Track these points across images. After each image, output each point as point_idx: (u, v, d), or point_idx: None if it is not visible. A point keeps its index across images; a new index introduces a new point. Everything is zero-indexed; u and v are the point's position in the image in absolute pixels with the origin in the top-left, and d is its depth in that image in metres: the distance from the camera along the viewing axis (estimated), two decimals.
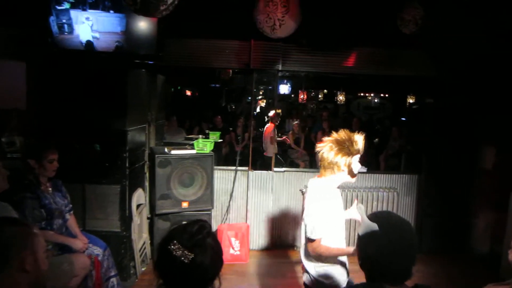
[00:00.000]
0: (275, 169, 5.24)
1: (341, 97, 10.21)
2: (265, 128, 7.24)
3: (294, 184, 5.27)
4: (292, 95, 11.52)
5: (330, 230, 2.35)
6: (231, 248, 4.76)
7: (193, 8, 4.49)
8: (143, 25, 3.96)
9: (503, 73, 4.59)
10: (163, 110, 5.53)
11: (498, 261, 4.44)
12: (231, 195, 5.11)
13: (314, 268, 2.47)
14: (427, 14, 3.32)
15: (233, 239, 4.77)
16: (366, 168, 5.41)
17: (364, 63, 5.18)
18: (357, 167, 2.43)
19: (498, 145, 5.18)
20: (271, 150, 6.80)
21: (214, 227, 4.97)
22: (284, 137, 7.98)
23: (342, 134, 2.45)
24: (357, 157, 2.43)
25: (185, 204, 4.29)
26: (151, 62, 4.30)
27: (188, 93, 12.58)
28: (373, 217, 1.51)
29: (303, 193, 5.19)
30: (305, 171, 5.50)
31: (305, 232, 2.43)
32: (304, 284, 2.58)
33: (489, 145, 5.28)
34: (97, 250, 3.32)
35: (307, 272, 2.53)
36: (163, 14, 2.49)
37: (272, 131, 6.92)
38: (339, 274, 2.47)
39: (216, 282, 1.39)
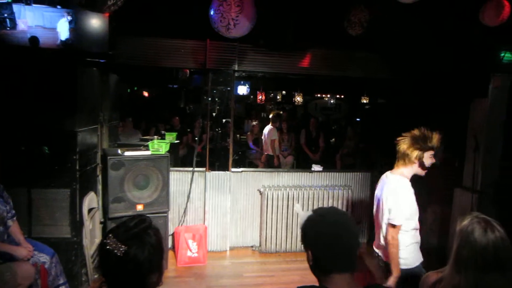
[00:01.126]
0: (233, 169, 5.22)
1: (298, 98, 10.35)
2: (267, 130, 7.46)
3: (252, 184, 5.28)
4: (251, 96, 11.56)
5: (406, 219, 2.65)
6: (189, 250, 4.69)
7: (148, 6, 4.40)
8: (93, 21, 3.80)
9: (447, 73, 4.84)
10: (117, 111, 5.36)
11: (445, 252, 4.68)
12: (188, 197, 5.04)
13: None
14: (376, 17, 3.44)
15: (190, 241, 4.70)
16: (322, 167, 5.54)
17: (319, 64, 5.30)
18: (428, 162, 2.73)
19: (445, 142, 5.46)
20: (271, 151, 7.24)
21: (171, 230, 4.88)
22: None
23: (418, 130, 2.77)
24: (429, 152, 2.72)
25: (140, 207, 4.17)
26: (103, 61, 4.15)
27: (146, 94, 12.28)
28: (313, 210, 1.55)
29: (260, 193, 5.22)
30: (262, 171, 5.51)
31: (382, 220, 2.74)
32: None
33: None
34: (43, 258, 3.15)
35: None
36: (111, 10, 2.41)
37: (273, 134, 7.26)
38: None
39: (154, 276, 1.36)
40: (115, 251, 1.28)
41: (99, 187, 4.55)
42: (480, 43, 4.37)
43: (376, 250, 2.95)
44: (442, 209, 5.40)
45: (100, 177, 4.55)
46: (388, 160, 5.45)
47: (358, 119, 9.64)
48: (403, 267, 2.72)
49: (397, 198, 2.68)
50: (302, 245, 1.52)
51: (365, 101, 9.57)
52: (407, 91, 5.55)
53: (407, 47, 5.00)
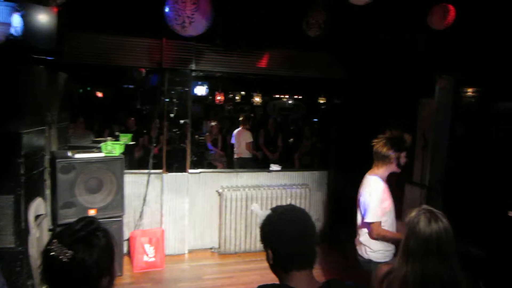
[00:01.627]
0: (191, 170, 5.13)
1: (257, 99, 10.39)
2: (238, 133, 7.35)
3: (210, 185, 5.22)
4: (210, 97, 11.46)
5: (383, 215, 2.86)
6: (145, 255, 4.55)
7: (101, 2, 4.23)
8: (41, 16, 3.57)
9: (397, 74, 5.04)
10: (67, 112, 5.10)
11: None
12: (144, 200, 4.89)
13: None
14: (331, 19, 3.50)
15: (147, 246, 4.56)
16: (280, 167, 5.58)
17: (277, 64, 5.34)
18: (403, 160, 2.99)
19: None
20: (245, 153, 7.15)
21: (126, 234, 4.71)
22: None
23: (395, 132, 2.97)
24: (405, 153, 2.96)
25: (92, 212, 3.99)
26: (50, 58, 3.92)
27: (99, 94, 11.84)
28: (272, 209, 1.55)
29: (219, 194, 5.16)
30: (221, 172, 5.47)
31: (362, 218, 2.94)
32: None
33: None
34: None
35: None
36: (58, 3, 2.26)
37: (248, 136, 7.21)
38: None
39: (104, 280, 1.28)
40: (60, 257, 1.19)
41: (48, 192, 4.29)
42: (427, 45, 4.59)
43: (356, 246, 3.10)
44: (395, 204, 5.61)
45: (48, 181, 4.29)
46: (343, 157, 5.63)
47: (315, 119, 9.81)
48: (373, 259, 2.89)
49: (370, 198, 2.88)
50: (262, 245, 1.50)
51: (322, 102, 9.76)
52: (360, 91, 5.72)
53: (360, 49, 5.15)
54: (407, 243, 1.70)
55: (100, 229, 1.31)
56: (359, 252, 3.04)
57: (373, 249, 2.92)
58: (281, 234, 1.43)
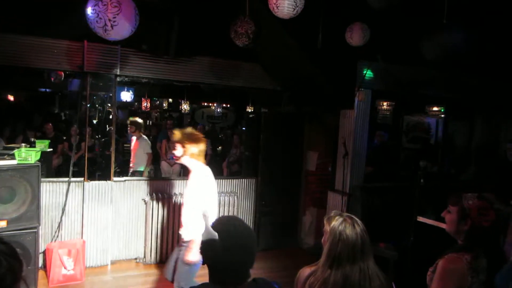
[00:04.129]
0: (115, 178, 4.96)
1: (185, 106, 10.32)
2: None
3: (136, 194, 5.08)
4: (136, 103, 11.12)
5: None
6: (63, 267, 4.28)
7: (16, 2, 3.97)
8: None
9: (319, 86, 5.38)
10: None
11: (321, 251, 5.14)
12: (63, 210, 4.62)
13: None
14: (259, 30, 3.65)
15: (65, 258, 4.30)
16: None
17: (205, 72, 5.39)
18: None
19: (319, 150, 6.03)
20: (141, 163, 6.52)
21: (42, 247, 4.40)
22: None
23: (189, 129, 3.34)
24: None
25: (2, 223, 3.68)
26: None
27: (11, 98, 10.90)
28: (216, 223, 1.59)
29: (145, 203, 5.05)
30: (147, 180, 5.34)
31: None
32: None
33: (312, 150, 6.10)
34: None
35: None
36: None
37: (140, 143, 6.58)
38: None
39: (18, 285, 1.23)
40: None
41: None
42: (347, 60, 4.96)
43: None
44: (318, 210, 5.94)
45: None
46: (270, 165, 5.82)
47: (243, 128, 9.99)
48: None
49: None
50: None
51: (250, 110, 9.98)
52: (286, 101, 6.00)
53: (285, 60, 5.41)
54: (332, 249, 1.82)
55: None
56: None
57: None
58: (226, 253, 1.48)
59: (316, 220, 5.89)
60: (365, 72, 5.03)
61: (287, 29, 4.51)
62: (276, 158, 5.85)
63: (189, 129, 3.36)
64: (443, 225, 2.15)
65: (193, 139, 3.22)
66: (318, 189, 6.06)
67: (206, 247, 1.53)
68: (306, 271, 1.98)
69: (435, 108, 7.48)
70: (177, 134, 3.26)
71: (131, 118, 7.14)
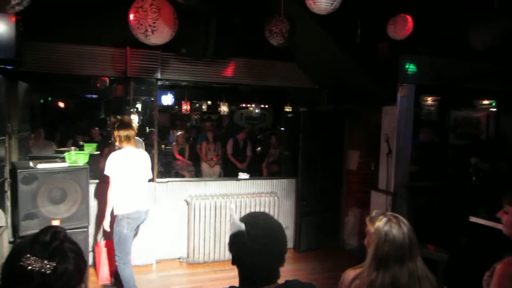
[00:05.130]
0: (158, 180, 5.09)
1: (224, 108, 10.43)
2: None
3: (178, 195, 5.19)
4: (176, 106, 11.39)
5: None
6: (111, 266, 4.44)
7: (63, 11, 4.16)
8: None
9: (360, 82, 5.24)
10: (27, 122, 4.95)
11: (365, 252, 5.00)
12: None
13: None
14: (295, 28, 3.61)
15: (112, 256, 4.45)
16: (248, 175, 5.63)
17: (242, 73, 5.42)
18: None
19: (361, 149, 5.89)
20: None
21: (91, 245, 4.59)
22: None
23: (126, 118, 4.10)
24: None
25: (56, 223, 3.87)
26: (10, 67, 3.81)
27: (61, 104, 11.53)
28: (246, 217, 1.55)
29: (187, 203, 5.15)
30: (189, 181, 5.45)
31: None
32: None
33: (353, 149, 5.96)
34: None
35: None
36: (16, 10, 2.22)
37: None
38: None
39: (83, 285, 1.27)
40: (42, 270, 1.14)
41: (8, 203, 4.14)
42: (388, 55, 4.80)
43: None
44: (361, 210, 5.79)
45: (9, 193, 4.14)
46: (310, 165, 5.75)
47: (282, 128, 9.95)
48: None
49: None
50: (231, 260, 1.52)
51: (288, 110, 9.92)
52: (325, 99, 5.89)
53: (322, 58, 5.32)
54: (379, 250, 1.75)
55: (67, 237, 1.28)
56: None
57: None
58: (250, 250, 1.44)
59: (359, 220, 5.75)
60: (407, 66, 4.84)
61: (324, 26, 4.43)
62: (316, 157, 5.76)
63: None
64: (499, 226, 2.01)
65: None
66: (360, 188, 5.91)
67: (233, 239, 1.50)
68: (350, 273, 1.92)
69: (485, 102, 7.06)
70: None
71: None
